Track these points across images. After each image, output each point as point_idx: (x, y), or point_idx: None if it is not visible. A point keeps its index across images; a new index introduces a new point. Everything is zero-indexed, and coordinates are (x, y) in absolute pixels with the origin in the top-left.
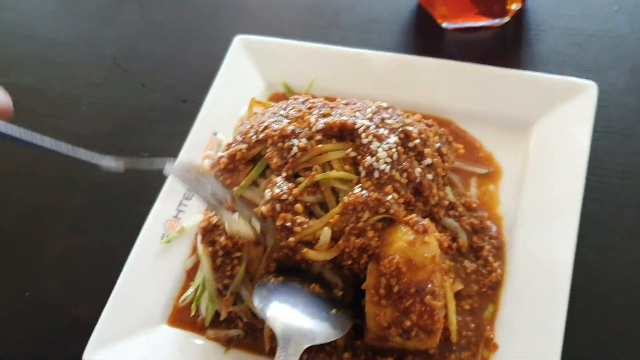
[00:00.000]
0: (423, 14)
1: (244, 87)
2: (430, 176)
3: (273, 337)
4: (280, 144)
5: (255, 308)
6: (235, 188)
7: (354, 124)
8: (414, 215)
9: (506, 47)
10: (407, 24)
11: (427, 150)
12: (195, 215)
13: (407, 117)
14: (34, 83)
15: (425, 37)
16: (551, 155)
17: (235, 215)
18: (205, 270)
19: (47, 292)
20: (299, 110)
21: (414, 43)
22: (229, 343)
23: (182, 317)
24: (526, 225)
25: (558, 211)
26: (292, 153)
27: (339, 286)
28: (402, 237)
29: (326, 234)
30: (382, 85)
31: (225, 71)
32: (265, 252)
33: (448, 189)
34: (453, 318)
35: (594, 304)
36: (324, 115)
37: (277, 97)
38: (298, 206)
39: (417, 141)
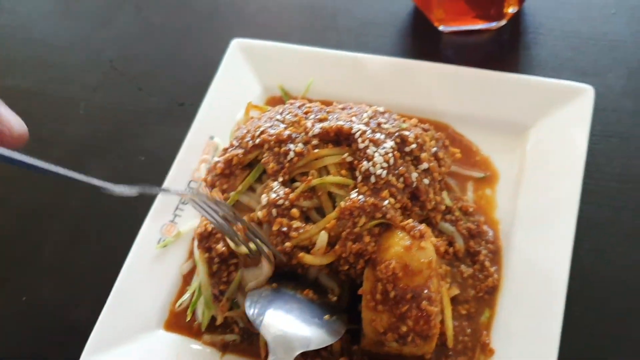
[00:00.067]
0: (420, 17)
1: (241, 91)
2: (426, 181)
3: None
4: (276, 149)
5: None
6: (232, 193)
7: (351, 128)
8: (410, 220)
9: (503, 50)
10: (404, 27)
11: (423, 155)
12: (191, 219)
13: (404, 121)
14: (31, 86)
15: (422, 40)
16: (548, 159)
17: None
18: (201, 275)
19: (47, 293)
20: (296, 115)
21: (411, 46)
22: (225, 348)
23: (179, 322)
24: (523, 229)
25: (555, 215)
26: (288, 158)
27: (334, 291)
28: (399, 242)
29: (323, 238)
30: (379, 89)
31: (222, 74)
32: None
33: (445, 194)
34: (449, 323)
35: (590, 308)
36: (321, 120)
37: (274, 101)
38: (294, 211)
39: (414, 146)
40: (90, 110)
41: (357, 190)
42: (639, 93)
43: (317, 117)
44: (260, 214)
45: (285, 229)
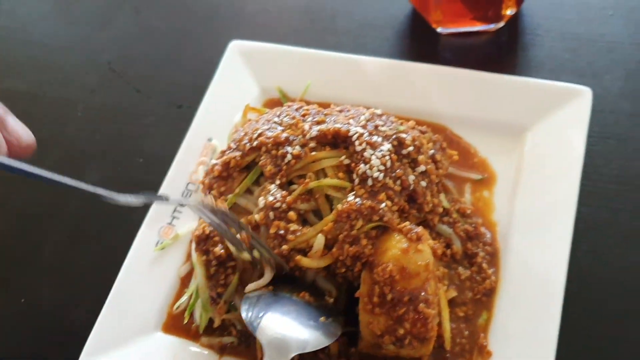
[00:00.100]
0: (418, 19)
1: (239, 93)
2: (424, 183)
3: None
4: (274, 152)
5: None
6: (230, 196)
7: (348, 131)
8: (407, 222)
9: (501, 52)
10: (403, 29)
11: (420, 158)
12: (189, 222)
13: (401, 124)
14: (29, 88)
15: (420, 42)
16: (546, 161)
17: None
18: (199, 278)
19: (46, 293)
20: (293, 118)
21: (409, 48)
22: (222, 350)
23: (176, 324)
24: (520, 231)
25: (552, 216)
26: (285, 160)
27: (332, 294)
28: (396, 245)
29: (320, 241)
30: (377, 90)
31: (220, 76)
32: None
33: (442, 196)
34: (447, 325)
35: (588, 309)
36: (318, 123)
37: (272, 103)
38: (292, 214)
39: (411, 148)
40: (89, 112)
41: (354, 193)
42: (637, 94)
43: (315, 119)
44: (257, 216)
45: (282, 231)
